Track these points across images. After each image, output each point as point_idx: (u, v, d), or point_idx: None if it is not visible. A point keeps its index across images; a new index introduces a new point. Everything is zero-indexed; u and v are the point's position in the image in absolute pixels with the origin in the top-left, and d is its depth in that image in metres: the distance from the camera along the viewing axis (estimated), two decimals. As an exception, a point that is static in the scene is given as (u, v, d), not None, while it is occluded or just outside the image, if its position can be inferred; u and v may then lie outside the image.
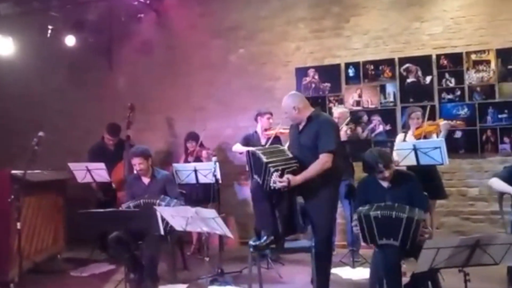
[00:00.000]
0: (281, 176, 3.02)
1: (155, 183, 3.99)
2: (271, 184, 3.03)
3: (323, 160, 3.11)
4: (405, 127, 4.54)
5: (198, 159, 4.95)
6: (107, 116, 5.45)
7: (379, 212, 2.89)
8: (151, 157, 4.07)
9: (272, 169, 3.03)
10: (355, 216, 3.02)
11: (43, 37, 5.66)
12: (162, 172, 4.12)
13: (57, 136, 5.73)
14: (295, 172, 3.09)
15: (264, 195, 3.19)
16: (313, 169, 3.10)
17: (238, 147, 4.83)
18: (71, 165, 4.63)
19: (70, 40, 5.65)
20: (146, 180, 4.01)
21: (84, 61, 6.04)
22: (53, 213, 4.76)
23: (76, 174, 4.63)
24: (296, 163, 3.16)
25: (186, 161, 5.05)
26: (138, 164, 3.92)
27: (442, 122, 4.07)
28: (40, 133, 3.65)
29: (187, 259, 4.51)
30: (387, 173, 3.04)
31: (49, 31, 5.63)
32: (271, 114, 4.77)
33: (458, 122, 4.20)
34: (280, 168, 3.06)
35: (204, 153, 4.88)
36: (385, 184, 3.11)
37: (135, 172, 4.05)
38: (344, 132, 4.42)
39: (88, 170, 4.58)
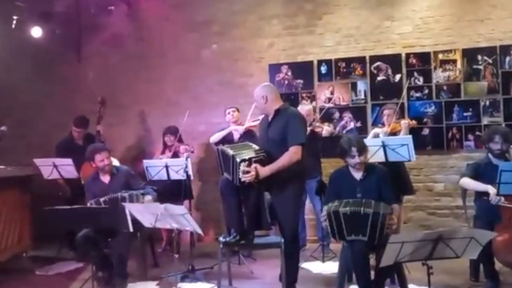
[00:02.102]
0: (248, 166, 3.02)
1: (115, 180, 3.89)
2: (240, 176, 3.02)
3: (292, 152, 3.12)
4: (376, 124, 4.64)
5: (176, 154, 4.87)
6: (76, 110, 5.31)
7: (348, 208, 2.94)
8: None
9: (238, 160, 3.04)
10: (324, 212, 3.06)
11: (7, 27, 5.43)
12: (121, 167, 4.04)
13: (22, 130, 5.55)
14: (263, 163, 3.10)
15: (232, 192, 3.20)
16: (282, 160, 3.11)
17: (215, 136, 4.76)
18: (37, 161, 4.49)
19: (36, 32, 5.45)
20: (105, 178, 3.91)
21: (51, 53, 5.85)
22: (18, 210, 4.60)
23: (42, 170, 4.49)
24: (264, 153, 3.17)
25: (163, 154, 4.95)
26: (105, 159, 3.82)
27: (402, 121, 4.21)
28: (3, 128, 3.54)
29: (157, 256, 4.47)
30: (358, 159, 3.09)
31: (14, 22, 5.41)
32: (233, 108, 4.72)
33: (415, 122, 4.32)
34: (246, 158, 3.06)
35: (182, 148, 4.81)
36: (357, 176, 3.16)
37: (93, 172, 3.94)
38: (327, 131, 4.48)
39: (55, 166, 4.45)
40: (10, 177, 4.33)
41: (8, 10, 5.43)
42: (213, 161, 5.20)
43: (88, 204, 3.70)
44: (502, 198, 3.14)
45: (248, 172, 3.03)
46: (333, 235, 3.02)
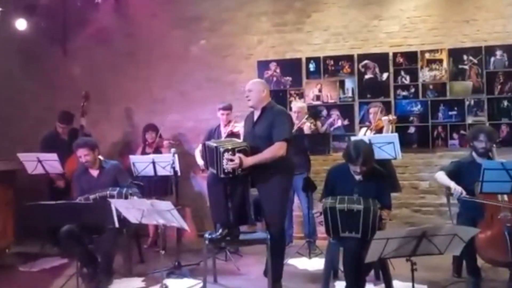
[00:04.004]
0: (232, 154, 3.03)
1: (104, 174, 3.85)
2: (225, 166, 3.02)
3: (277, 147, 3.15)
4: (363, 122, 4.67)
5: (157, 150, 4.85)
6: (60, 105, 5.23)
7: (344, 205, 2.94)
8: (98, 148, 3.91)
9: (222, 149, 3.05)
10: (318, 207, 3.05)
11: (-9, 19, 5.32)
12: (110, 162, 3.99)
13: (6, 125, 5.44)
14: (246, 154, 3.12)
15: (218, 187, 3.20)
16: (265, 154, 3.14)
17: (198, 157, 4.72)
18: (21, 156, 4.41)
19: (21, 24, 5.34)
20: (94, 172, 3.87)
21: (36, 46, 5.75)
22: (1, 205, 4.52)
23: (26, 165, 4.42)
24: (246, 144, 3.19)
25: (143, 152, 4.94)
26: (83, 156, 3.77)
27: (383, 118, 4.25)
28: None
29: (143, 252, 4.44)
30: (359, 169, 3.06)
31: (-2, 14, 5.31)
32: (226, 109, 4.63)
33: (394, 117, 4.35)
34: (230, 147, 3.07)
35: (165, 143, 4.79)
36: (357, 176, 3.15)
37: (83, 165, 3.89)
38: (308, 127, 4.48)
39: (40, 161, 4.38)
40: (-7, 172, 4.26)
41: (-9, 2, 5.32)
42: (195, 158, 5.22)
43: (77, 200, 3.64)
44: (464, 192, 3.23)
45: (232, 160, 3.04)
46: (327, 231, 3.03)
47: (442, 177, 3.48)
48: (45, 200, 3.79)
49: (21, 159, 4.40)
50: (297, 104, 4.78)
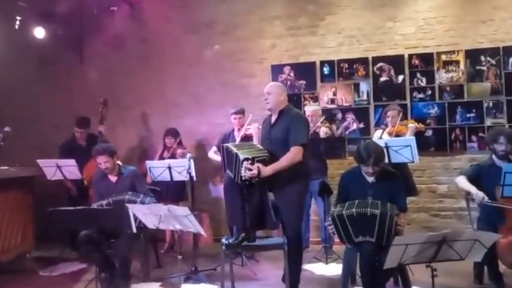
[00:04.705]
0: (251, 164, 3.04)
1: (122, 180, 3.89)
2: (242, 174, 3.03)
3: (294, 153, 3.14)
4: (379, 125, 4.62)
5: (173, 157, 4.88)
6: (77, 111, 5.32)
7: (354, 210, 2.93)
8: (116, 154, 3.94)
9: (242, 157, 3.05)
10: (329, 217, 3.05)
11: (11, 28, 5.44)
12: (129, 168, 4.03)
13: (24, 131, 5.55)
14: (265, 163, 3.12)
15: (235, 190, 3.21)
16: (283, 160, 3.13)
17: (212, 155, 4.81)
18: (40, 162, 4.48)
19: (39, 32, 5.46)
20: (113, 178, 3.91)
21: (53, 53, 5.86)
22: (21, 211, 4.60)
23: (45, 171, 4.49)
24: (267, 154, 3.19)
25: (161, 156, 4.97)
26: (103, 163, 3.80)
27: (410, 125, 4.17)
28: (6, 128, 3.54)
29: (160, 257, 4.47)
30: (371, 169, 3.07)
31: (17, 22, 5.42)
32: (238, 113, 4.65)
33: (423, 125, 4.30)
34: (250, 156, 3.07)
35: (179, 151, 4.82)
36: (369, 179, 3.15)
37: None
38: (324, 132, 4.46)
39: (58, 167, 4.45)
40: (13, 178, 4.35)
41: (11, 11, 5.44)
42: (212, 163, 5.25)
43: (93, 206, 3.69)
44: (486, 198, 3.16)
45: (250, 170, 3.04)
46: (341, 239, 3.03)
47: (462, 182, 3.42)
48: (64, 206, 3.86)
49: (40, 165, 4.48)
50: (310, 108, 4.76)
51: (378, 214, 2.87)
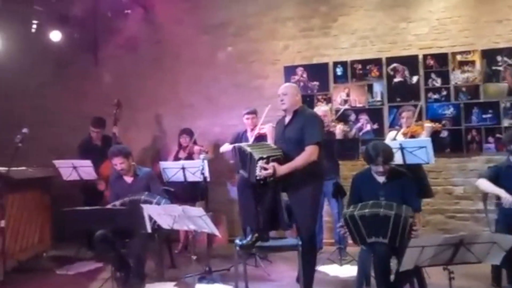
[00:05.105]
0: (266, 163, 3.03)
1: (138, 181, 3.92)
2: (257, 173, 3.03)
3: (309, 152, 3.14)
4: (393, 126, 4.58)
5: (190, 156, 4.91)
6: (92, 112, 5.37)
7: (366, 211, 2.92)
8: (131, 155, 3.99)
9: (257, 157, 3.05)
10: (341, 218, 3.04)
11: (27, 32, 5.54)
12: (144, 169, 4.06)
13: (40, 132, 5.64)
14: (280, 162, 3.11)
15: (248, 191, 3.21)
16: (299, 160, 3.13)
17: (225, 147, 4.82)
18: (56, 162, 4.56)
19: (55, 36, 5.55)
20: (128, 179, 3.95)
21: (69, 56, 5.95)
22: (39, 210, 4.69)
23: (61, 172, 4.56)
24: (281, 153, 3.18)
25: (176, 156, 4.99)
26: (119, 164, 3.84)
27: (426, 124, 4.12)
28: (24, 130, 3.60)
29: (174, 257, 4.50)
30: (381, 168, 3.07)
31: (34, 26, 5.52)
32: (250, 113, 4.67)
33: (439, 125, 4.25)
34: (265, 156, 3.07)
35: (196, 149, 4.84)
36: (380, 179, 3.14)
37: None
38: (340, 130, 4.43)
39: (74, 168, 4.52)
40: (31, 178, 4.43)
41: (27, 15, 5.54)
42: (227, 163, 5.28)
43: (109, 206, 3.74)
44: None
45: (265, 169, 3.04)
46: (354, 240, 3.02)
47: (486, 185, 3.37)
48: (80, 205, 3.92)
49: (56, 165, 4.55)
50: (321, 108, 4.74)
51: (393, 216, 2.85)
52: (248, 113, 4.68)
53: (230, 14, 5.69)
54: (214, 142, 5.59)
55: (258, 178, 3.05)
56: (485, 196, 3.68)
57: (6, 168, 3.57)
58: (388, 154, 3.10)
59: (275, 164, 3.07)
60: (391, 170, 3.15)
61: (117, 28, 5.89)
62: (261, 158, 3.05)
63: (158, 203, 3.60)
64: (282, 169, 3.09)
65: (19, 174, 4.10)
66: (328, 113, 4.68)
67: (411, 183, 3.18)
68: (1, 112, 6.05)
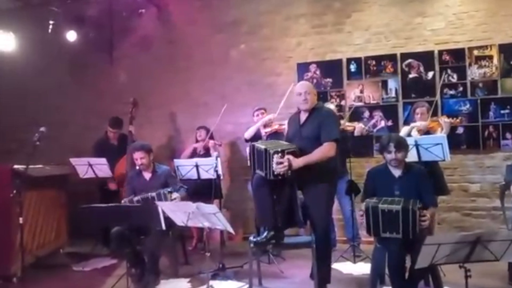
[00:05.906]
0: (282, 157, 3.03)
1: (156, 178, 3.99)
2: (274, 168, 3.02)
3: (328, 148, 3.14)
4: (408, 122, 4.51)
5: (207, 150, 4.93)
6: (108, 111, 5.45)
7: (386, 206, 2.91)
8: (152, 152, 4.06)
9: (272, 151, 3.05)
10: (362, 206, 3.02)
11: (44, 32, 5.64)
12: (163, 167, 4.12)
13: (57, 131, 5.73)
14: (296, 155, 3.11)
15: (264, 190, 3.20)
16: (316, 153, 3.12)
17: (249, 131, 4.73)
18: (73, 160, 4.64)
19: (71, 36, 5.64)
20: (147, 175, 4.02)
21: (84, 56, 6.03)
22: (55, 207, 4.78)
23: (78, 169, 4.64)
24: (295, 147, 3.18)
25: (194, 152, 5.00)
26: (139, 158, 3.92)
27: (444, 120, 4.05)
28: (42, 129, 3.66)
29: (188, 254, 4.53)
30: (395, 155, 3.05)
31: (50, 26, 5.62)
32: (261, 111, 4.69)
33: (457, 120, 4.18)
34: (279, 149, 3.07)
35: (211, 142, 4.87)
36: (396, 173, 3.12)
37: (137, 167, 4.05)
38: (360, 128, 4.39)
39: (90, 165, 4.58)
40: (48, 176, 4.51)
41: (44, 15, 5.64)
42: (241, 161, 5.29)
43: (122, 202, 3.79)
44: None
45: (281, 163, 3.03)
46: (368, 229, 3.00)
47: None
48: (96, 203, 3.98)
49: (73, 163, 4.63)
50: (330, 107, 4.69)
51: (400, 210, 2.84)
52: (259, 109, 4.70)
53: (243, 12, 5.69)
54: (226, 140, 5.60)
55: (275, 173, 3.04)
56: (502, 194, 3.61)
57: (24, 166, 3.64)
58: (399, 141, 3.11)
59: (290, 156, 3.07)
60: (406, 165, 3.13)
61: (131, 28, 5.96)
62: (276, 152, 3.05)
63: (172, 192, 3.70)
64: (298, 162, 3.08)
65: (37, 172, 4.18)
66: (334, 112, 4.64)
67: (426, 178, 3.15)
68: (19, 111, 6.18)
